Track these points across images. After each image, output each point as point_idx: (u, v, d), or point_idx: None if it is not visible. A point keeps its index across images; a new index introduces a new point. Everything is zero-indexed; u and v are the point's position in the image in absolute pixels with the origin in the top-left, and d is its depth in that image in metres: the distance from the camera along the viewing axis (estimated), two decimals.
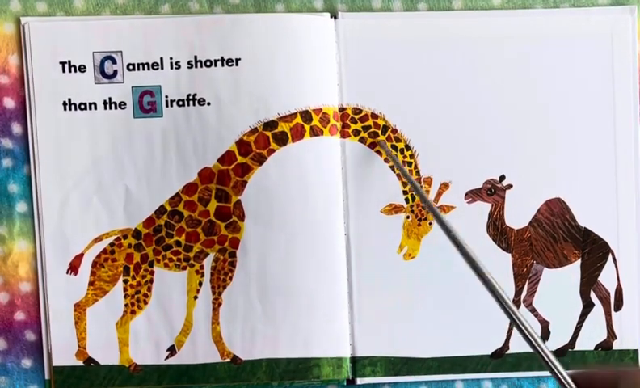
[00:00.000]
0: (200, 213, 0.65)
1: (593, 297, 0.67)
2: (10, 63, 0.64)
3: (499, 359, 0.66)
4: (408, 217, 0.66)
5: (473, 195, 0.66)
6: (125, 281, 0.65)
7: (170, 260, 0.65)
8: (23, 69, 0.64)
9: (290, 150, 0.64)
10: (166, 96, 0.64)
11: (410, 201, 0.66)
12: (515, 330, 0.66)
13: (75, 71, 0.64)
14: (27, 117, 0.64)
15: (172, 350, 0.65)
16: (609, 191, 0.66)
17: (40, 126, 0.64)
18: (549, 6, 0.66)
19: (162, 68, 0.64)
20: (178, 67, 0.64)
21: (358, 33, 0.65)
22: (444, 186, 0.66)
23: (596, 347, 0.67)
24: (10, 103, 0.64)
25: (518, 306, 0.66)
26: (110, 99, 0.64)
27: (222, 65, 0.64)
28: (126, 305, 0.65)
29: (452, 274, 0.66)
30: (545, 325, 0.67)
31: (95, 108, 0.64)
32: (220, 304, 0.65)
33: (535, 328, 0.66)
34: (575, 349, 0.67)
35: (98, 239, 0.65)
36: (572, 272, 0.67)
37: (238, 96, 0.64)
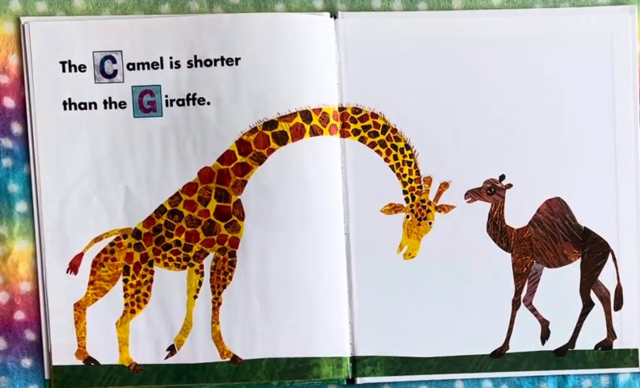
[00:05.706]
0: (200, 213, 0.65)
1: (593, 296, 0.67)
2: (10, 63, 0.64)
3: (499, 358, 0.66)
4: (408, 217, 0.66)
5: (473, 194, 0.66)
6: (125, 281, 0.65)
7: (169, 260, 0.65)
8: (23, 69, 0.64)
9: (290, 150, 0.64)
10: (166, 96, 0.64)
11: (410, 201, 0.66)
12: (515, 329, 0.66)
13: (75, 71, 0.64)
14: (27, 117, 0.64)
15: (172, 349, 0.65)
16: (609, 190, 0.66)
17: (40, 126, 0.64)
18: (548, 5, 0.66)
19: (162, 67, 0.64)
20: (178, 67, 0.64)
21: (358, 33, 0.65)
22: (444, 185, 0.66)
23: (596, 347, 0.67)
24: (10, 102, 0.64)
25: (518, 306, 0.66)
26: (110, 98, 0.64)
27: (222, 64, 0.64)
28: (126, 304, 0.65)
29: (452, 274, 0.66)
30: (544, 324, 0.66)
31: (95, 108, 0.64)
32: (219, 303, 0.65)
33: (535, 328, 0.67)
34: (575, 349, 0.67)
35: (98, 239, 0.65)
36: (572, 271, 0.67)
37: (238, 96, 0.64)
